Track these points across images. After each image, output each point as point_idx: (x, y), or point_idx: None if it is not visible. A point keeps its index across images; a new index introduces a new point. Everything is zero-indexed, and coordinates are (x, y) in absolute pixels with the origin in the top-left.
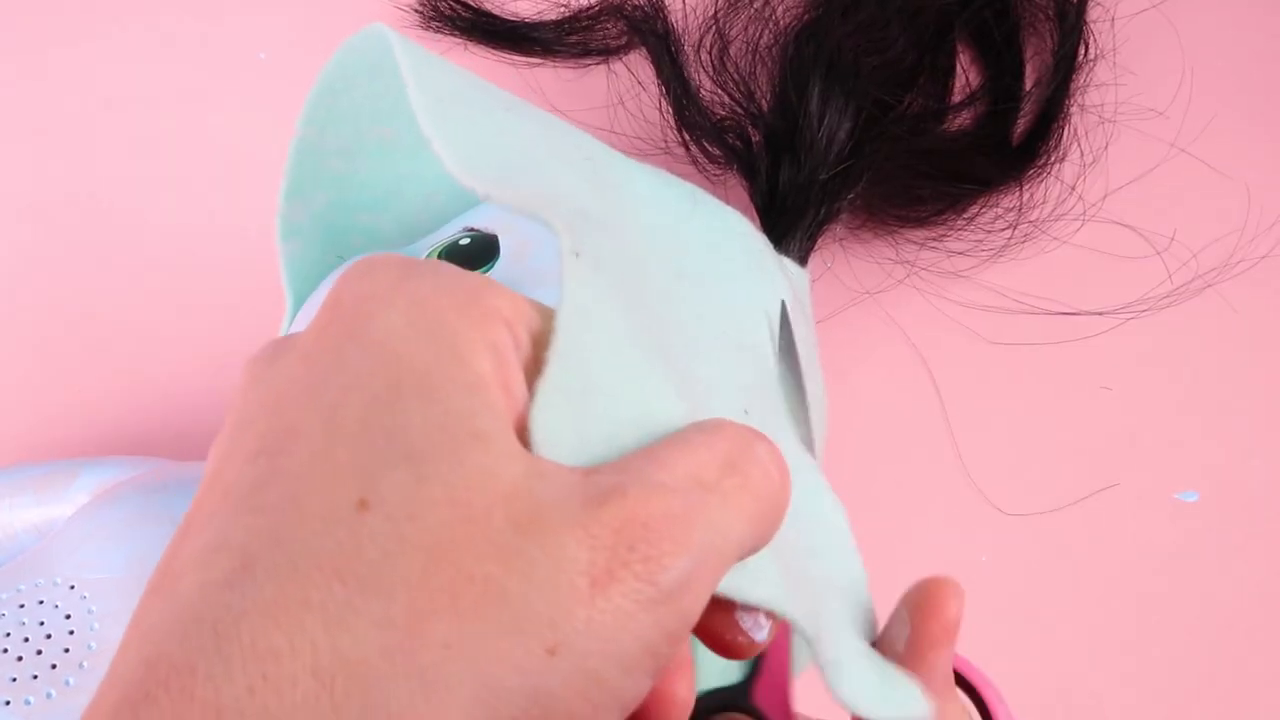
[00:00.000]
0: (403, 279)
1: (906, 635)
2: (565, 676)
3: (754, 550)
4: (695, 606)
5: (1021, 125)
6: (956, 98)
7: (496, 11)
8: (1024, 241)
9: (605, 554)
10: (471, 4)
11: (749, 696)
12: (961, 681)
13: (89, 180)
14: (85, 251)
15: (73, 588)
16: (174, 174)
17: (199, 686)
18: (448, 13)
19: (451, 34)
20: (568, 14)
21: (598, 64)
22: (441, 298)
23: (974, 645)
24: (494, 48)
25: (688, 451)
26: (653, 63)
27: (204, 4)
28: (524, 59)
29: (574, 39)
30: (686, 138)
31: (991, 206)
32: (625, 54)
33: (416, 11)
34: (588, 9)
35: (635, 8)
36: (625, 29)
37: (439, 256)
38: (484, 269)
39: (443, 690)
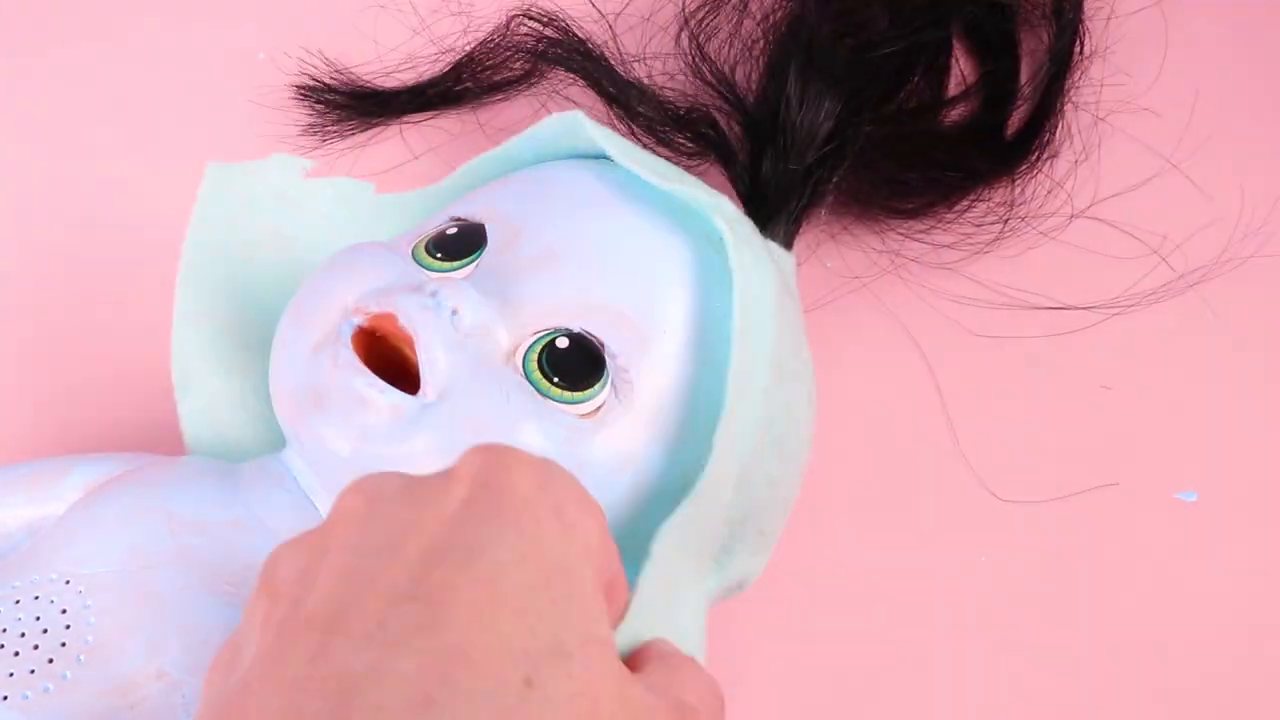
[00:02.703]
0: (544, 480)
1: None
2: None
3: None
4: None
5: (1015, 120)
6: (952, 91)
7: (381, 84)
8: (1014, 237)
9: None
10: (351, 88)
11: None
12: None
13: (88, 179)
14: (83, 249)
15: (68, 582)
16: (173, 173)
17: None
18: (341, 103)
19: (349, 120)
20: (457, 62)
21: (508, 98)
22: (564, 495)
23: (974, 643)
24: (394, 118)
25: (687, 687)
26: (586, 81)
27: (204, 4)
28: (428, 116)
29: (473, 84)
30: (653, 140)
31: (983, 201)
32: (539, 79)
33: (313, 122)
34: (474, 55)
35: (539, 39)
36: (530, 61)
37: (427, 246)
38: (472, 258)
39: None
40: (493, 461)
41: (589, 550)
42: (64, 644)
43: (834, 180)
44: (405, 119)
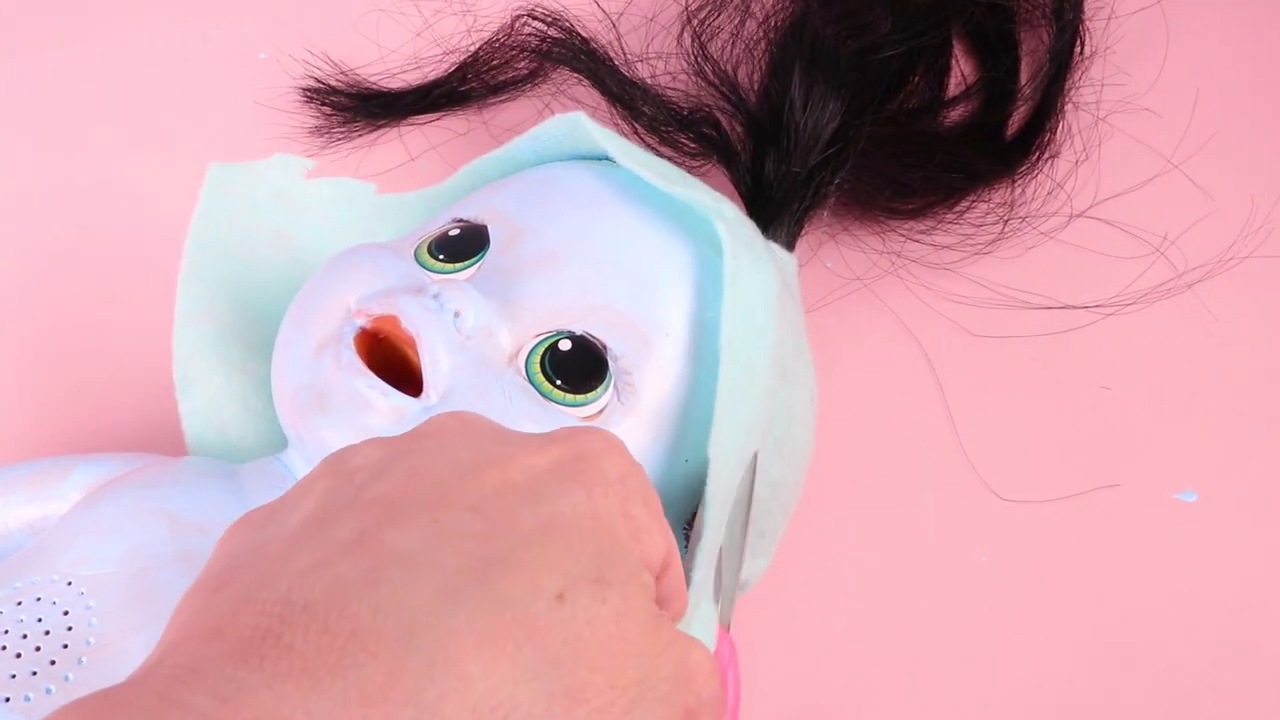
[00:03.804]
0: (628, 475)
1: None
2: None
3: None
4: None
5: (1015, 121)
6: (952, 91)
7: (386, 85)
8: (1014, 237)
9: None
10: (356, 90)
11: None
12: None
13: (88, 180)
14: (84, 249)
15: (70, 584)
16: (174, 174)
17: (408, 667)
18: (346, 105)
19: (355, 122)
20: (462, 62)
21: (513, 98)
22: (638, 500)
23: (975, 641)
24: (400, 119)
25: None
26: (590, 80)
27: (204, 4)
28: (434, 117)
29: (478, 84)
30: (656, 140)
31: (983, 201)
32: (543, 78)
33: (319, 124)
34: (478, 56)
35: (543, 39)
36: (535, 60)
37: (429, 247)
38: (475, 259)
39: None
40: (596, 441)
41: (639, 539)
42: (66, 645)
43: (836, 181)
44: (411, 120)
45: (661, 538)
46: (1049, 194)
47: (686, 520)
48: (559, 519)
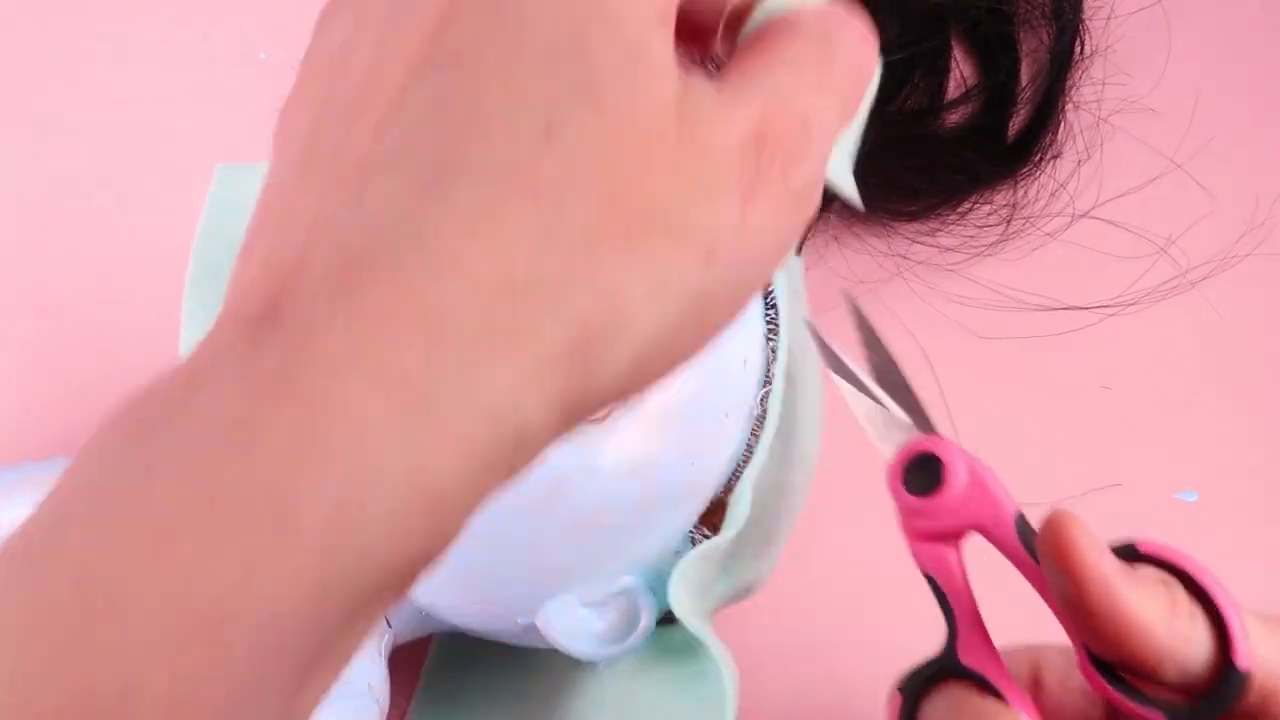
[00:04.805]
0: None
1: (1068, 585)
2: (720, 277)
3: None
4: (816, 199)
5: (1016, 122)
6: (953, 93)
7: None
8: (1017, 238)
9: (751, 169)
10: None
11: (955, 659)
12: (1173, 570)
13: (88, 179)
14: (85, 249)
15: None
16: (173, 173)
17: (406, 280)
18: None
19: None
20: None
21: None
22: None
23: None
24: None
25: (793, 62)
26: None
27: (204, 4)
28: None
29: None
30: None
31: (986, 203)
32: None
33: None
34: None
35: None
36: None
37: None
38: None
39: (621, 296)
40: None
41: None
42: None
43: None
44: None
45: None
46: (1052, 195)
47: (693, 525)
48: (521, 26)
